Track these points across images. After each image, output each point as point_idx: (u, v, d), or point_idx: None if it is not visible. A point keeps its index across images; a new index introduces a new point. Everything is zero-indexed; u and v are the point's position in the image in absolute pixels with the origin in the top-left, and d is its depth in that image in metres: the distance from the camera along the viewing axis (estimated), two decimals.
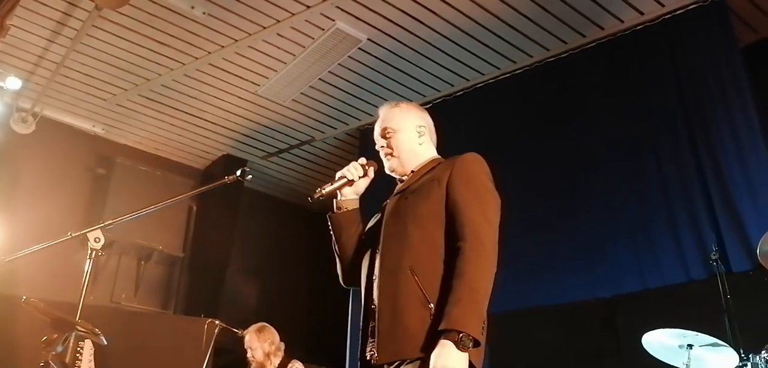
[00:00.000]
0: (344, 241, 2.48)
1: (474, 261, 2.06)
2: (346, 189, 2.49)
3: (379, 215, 2.42)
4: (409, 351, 2.06)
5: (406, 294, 2.11)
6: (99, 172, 7.07)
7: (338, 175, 2.48)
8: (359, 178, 2.48)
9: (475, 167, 2.32)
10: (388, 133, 2.49)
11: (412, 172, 2.44)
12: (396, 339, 2.09)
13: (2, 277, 5.22)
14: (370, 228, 2.45)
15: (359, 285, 2.39)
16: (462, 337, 1.94)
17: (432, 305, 2.06)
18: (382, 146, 2.50)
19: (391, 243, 2.24)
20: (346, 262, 2.49)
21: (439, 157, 2.52)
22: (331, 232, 2.51)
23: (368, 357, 2.16)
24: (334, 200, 2.51)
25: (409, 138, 2.48)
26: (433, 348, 1.97)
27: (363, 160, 2.50)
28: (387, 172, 2.52)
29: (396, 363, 2.09)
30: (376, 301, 2.18)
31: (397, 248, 2.21)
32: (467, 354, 1.96)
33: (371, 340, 2.16)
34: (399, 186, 2.45)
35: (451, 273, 2.07)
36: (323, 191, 2.40)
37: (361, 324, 2.28)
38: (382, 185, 2.57)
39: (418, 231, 2.20)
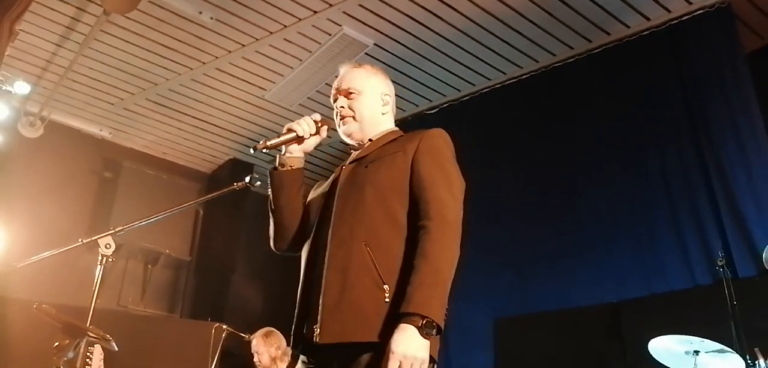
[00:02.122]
0: (283, 203, 2.22)
1: (440, 242, 1.89)
2: (293, 146, 2.22)
3: (328, 182, 2.24)
4: (356, 332, 1.85)
5: (357, 268, 1.91)
6: (106, 175, 7.11)
7: (286, 128, 2.22)
8: (310, 135, 2.21)
9: (442, 143, 2.16)
10: (351, 93, 2.27)
11: (371, 140, 2.25)
12: (343, 317, 1.87)
13: (9, 281, 5.25)
14: (318, 194, 2.26)
15: (294, 252, 2.23)
16: (426, 323, 1.77)
17: (386, 286, 1.88)
18: (343, 106, 2.27)
19: (345, 212, 2.03)
20: (283, 226, 2.25)
21: (399, 129, 2.34)
22: (270, 190, 2.25)
23: (309, 335, 1.93)
24: (278, 155, 2.25)
25: (373, 104, 2.29)
26: (391, 333, 1.79)
27: (317, 117, 2.24)
28: (342, 134, 2.29)
29: (341, 345, 1.87)
30: (323, 273, 1.96)
31: (351, 218, 2.01)
32: (429, 342, 1.78)
33: (313, 316, 1.94)
34: (356, 153, 2.24)
35: (412, 253, 1.90)
36: (267, 143, 2.14)
37: (298, 296, 2.06)
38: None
39: (377, 202, 2.01)
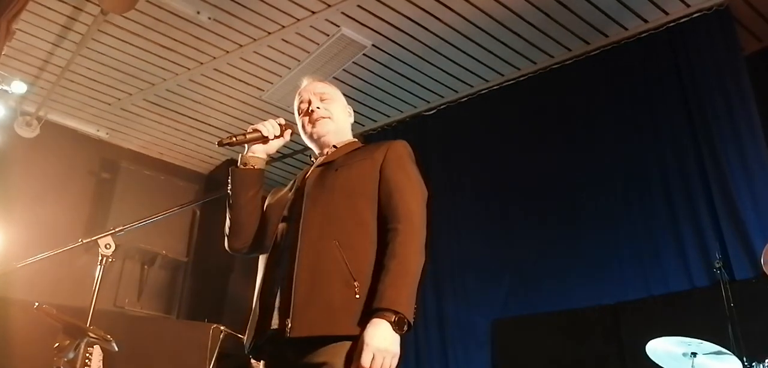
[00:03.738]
0: (242, 202, 2.25)
1: (409, 245, 1.98)
2: (257, 146, 2.26)
3: (291, 185, 2.29)
4: (327, 326, 1.89)
5: (328, 266, 1.96)
6: (103, 176, 7.08)
7: (251, 127, 2.26)
8: (274, 137, 2.27)
9: (407, 154, 2.24)
10: (325, 96, 2.38)
11: (335, 147, 2.33)
12: (314, 311, 1.91)
13: (7, 282, 5.23)
14: (280, 197, 2.30)
15: (248, 254, 2.29)
16: (398, 319, 1.85)
17: (357, 283, 1.93)
18: (318, 107, 2.34)
19: (315, 214, 2.08)
20: (240, 225, 2.27)
21: (358, 140, 2.44)
22: (230, 188, 2.27)
23: (280, 328, 1.94)
24: (241, 154, 2.27)
25: (343, 111, 2.43)
26: (362, 328, 1.86)
27: (282, 120, 2.29)
28: (312, 135, 2.35)
29: (311, 339, 1.90)
30: (293, 270, 1.98)
31: (321, 218, 2.07)
32: (399, 337, 1.86)
33: (283, 311, 1.96)
34: (321, 158, 2.31)
35: (380, 254, 1.98)
36: (233, 139, 2.18)
37: (259, 294, 2.11)
38: None
39: (346, 204, 2.08)
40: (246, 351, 2.11)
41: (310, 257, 1.99)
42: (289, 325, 1.90)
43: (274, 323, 1.98)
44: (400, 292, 1.89)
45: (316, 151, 2.38)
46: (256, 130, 2.23)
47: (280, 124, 2.27)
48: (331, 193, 2.11)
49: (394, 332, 1.85)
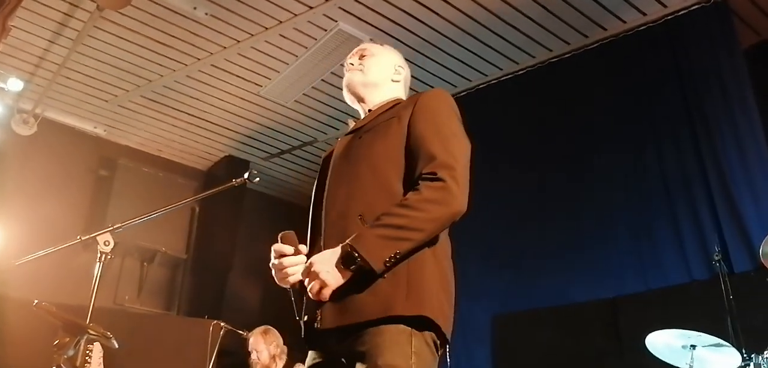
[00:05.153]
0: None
1: (423, 196, 1.77)
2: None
3: (326, 163, 2.11)
4: (355, 313, 1.74)
5: None
6: (101, 173, 7.07)
7: (290, 286, 1.93)
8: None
9: (437, 102, 1.99)
10: (364, 55, 2.19)
11: (370, 110, 2.13)
12: (341, 298, 1.76)
13: (6, 280, 5.22)
14: (317, 184, 2.11)
15: None
16: (347, 255, 1.71)
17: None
18: (351, 63, 2.19)
19: (339, 188, 1.93)
20: None
21: (401, 97, 2.20)
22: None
23: (312, 322, 1.82)
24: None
25: (384, 68, 2.19)
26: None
27: (282, 248, 1.92)
28: (344, 91, 2.20)
29: (342, 328, 1.76)
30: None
31: (345, 193, 1.90)
32: (343, 274, 1.72)
33: (313, 303, 1.81)
34: (353, 125, 2.12)
35: None
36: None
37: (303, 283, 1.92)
38: None
39: (370, 174, 1.89)
40: (306, 344, 1.96)
41: (334, 239, 1.81)
42: (319, 317, 1.79)
43: (310, 316, 1.85)
44: (376, 236, 1.73)
45: (360, 112, 2.21)
46: (294, 285, 1.93)
47: (292, 255, 1.91)
48: (355, 164, 1.94)
49: (341, 264, 1.72)
